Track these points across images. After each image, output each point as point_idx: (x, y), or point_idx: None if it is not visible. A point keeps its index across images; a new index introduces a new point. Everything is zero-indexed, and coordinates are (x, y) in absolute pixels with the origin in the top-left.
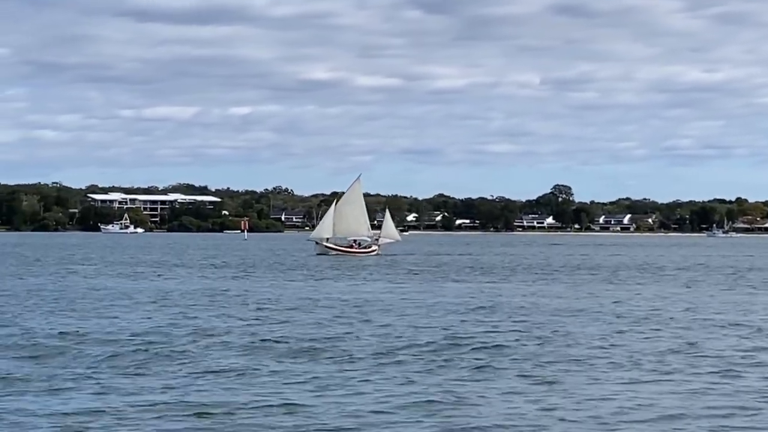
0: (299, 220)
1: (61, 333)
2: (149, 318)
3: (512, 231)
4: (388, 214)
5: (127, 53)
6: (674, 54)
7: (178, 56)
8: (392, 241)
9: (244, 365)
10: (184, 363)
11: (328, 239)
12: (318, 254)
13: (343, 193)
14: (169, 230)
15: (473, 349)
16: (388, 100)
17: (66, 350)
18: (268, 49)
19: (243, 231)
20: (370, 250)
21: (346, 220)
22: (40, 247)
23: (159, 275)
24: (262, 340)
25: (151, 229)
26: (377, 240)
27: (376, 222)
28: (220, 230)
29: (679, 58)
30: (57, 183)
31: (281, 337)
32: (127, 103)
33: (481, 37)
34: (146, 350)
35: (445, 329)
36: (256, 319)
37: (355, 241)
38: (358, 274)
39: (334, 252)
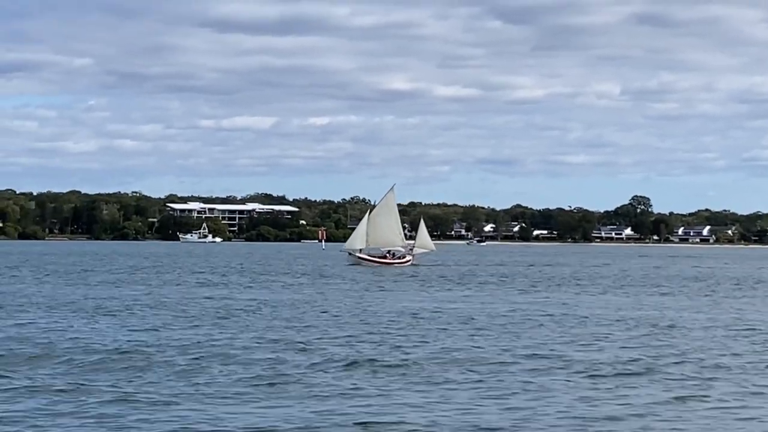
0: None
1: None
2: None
3: (590, 242)
4: (422, 223)
5: (208, 63)
6: (757, 64)
7: (258, 66)
8: (426, 251)
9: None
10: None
11: (360, 250)
12: (350, 265)
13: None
14: (247, 240)
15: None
16: (466, 110)
17: None
18: (348, 59)
19: (321, 240)
20: (404, 260)
21: (381, 231)
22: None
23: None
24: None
25: (229, 239)
26: (411, 250)
27: (453, 233)
28: (298, 240)
29: (763, 68)
30: (137, 192)
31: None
32: (207, 113)
33: (560, 47)
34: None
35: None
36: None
37: (389, 251)
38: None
39: (367, 263)
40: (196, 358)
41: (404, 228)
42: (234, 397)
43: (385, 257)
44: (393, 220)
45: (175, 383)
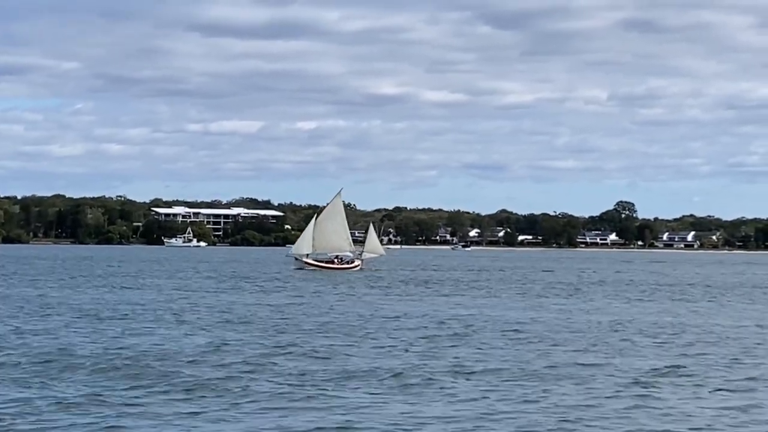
0: (361, 234)
1: None
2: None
3: (575, 247)
4: (371, 228)
5: (197, 67)
6: (746, 70)
7: (248, 70)
8: (376, 255)
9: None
10: None
11: (307, 255)
12: (297, 269)
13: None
14: (232, 244)
15: None
16: (454, 115)
17: None
18: (337, 63)
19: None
20: (352, 265)
21: (327, 235)
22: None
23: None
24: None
25: (214, 243)
26: (360, 255)
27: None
28: (283, 244)
29: (751, 74)
30: (121, 196)
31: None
32: (195, 117)
33: (550, 52)
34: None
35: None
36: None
37: (337, 256)
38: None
39: (314, 267)
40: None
41: (389, 233)
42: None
43: (332, 262)
44: (340, 224)
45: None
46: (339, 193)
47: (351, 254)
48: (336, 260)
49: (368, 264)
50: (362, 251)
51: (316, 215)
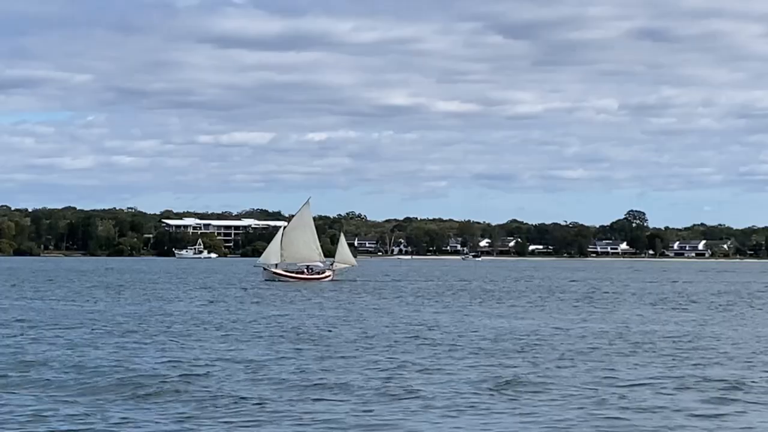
0: (372, 245)
1: None
2: None
3: (586, 257)
4: (342, 238)
5: (208, 79)
6: (758, 79)
7: (259, 82)
8: (347, 266)
9: None
10: None
11: (276, 265)
12: (266, 280)
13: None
14: (242, 255)
15: None
16: (465, 126)
17: None
18: (349, 74)
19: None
20: (323, 276)
21: (296, 245)
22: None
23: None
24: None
25: (225, 255)
26: (332, 265)
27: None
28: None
29: (763, 82)
30: (132, 208)
31: None
32: (205, 128)
33: (561, 62)
34: None
35: None
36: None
37: (307, 267)
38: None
39: (283, 278)
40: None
41: (399, 243)
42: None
43: (303, 272)
44: (309, 234)
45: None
46: (307, 202)
47: (321, 264)
48: (306, 271)
49: (340, 274)
50: (333, 261)
51: (284, 226)
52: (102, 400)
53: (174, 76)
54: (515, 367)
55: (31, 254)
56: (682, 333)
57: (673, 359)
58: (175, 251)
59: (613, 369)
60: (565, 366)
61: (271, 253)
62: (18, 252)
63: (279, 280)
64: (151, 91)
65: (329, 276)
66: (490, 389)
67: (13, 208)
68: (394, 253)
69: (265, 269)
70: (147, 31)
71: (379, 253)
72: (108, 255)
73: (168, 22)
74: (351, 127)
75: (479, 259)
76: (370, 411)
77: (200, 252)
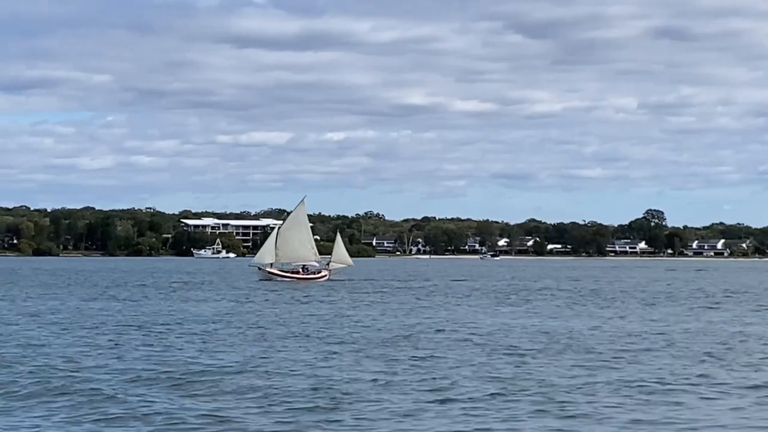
0: (390, 245)
1: None
2: None
3: (604, 256)
4: (339, 238)
5: (227, 79)
6: None
7: (278, 82)
8: (344, 266)
9: None
10: None
11: (271, 265)
12: (261, 280)
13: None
14: None
15: None
16: (483, 125)
17: None
18: (367, 74)
19: None
20: (319, 275)
21: (291, 245)
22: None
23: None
24: None
25: (243, 254)
26: (328, 265)
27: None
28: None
29: None
30: (151, 208)
31: None
32: (224, 128)
33: (580, 61)
34: None
35: None
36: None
37: (303, 266)
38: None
39: (279, 278)
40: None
41: (417, 243)
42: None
43: (298, 272)
44: (304, 233)
45: None
46: (302, 201)
47: (317, 264)
48: (302, 270)
49: (336, 274)
50: (329, 261)
51: (278, 225)
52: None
53: (193, 76)
54: None
55: (50, 254)
56: None
57: None
58: (194, 251)
59: None
60: None
61: (266, 253)
62: (37, 252)
63: (274, 280)
64: (169, 91)
65: (325, 276)
66: None
67: (32, 209)
68: (412, 252)
69: (260, 269)
70: (165, 31)
71: (397, 253)
72: (127, 255)
73: (186, 23)
74: (369, 127)
75: (497, 258)
76: None
77: (219, 252)
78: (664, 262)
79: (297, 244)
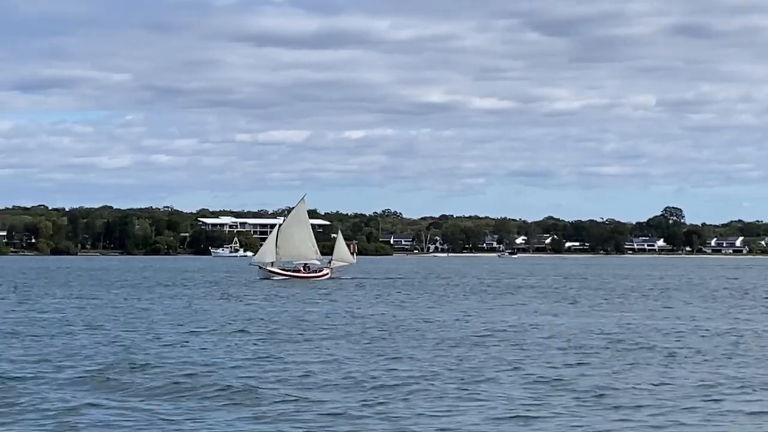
0: (408, 243)
1: None
2: None
3: (622, 254)
4: (340, 236)
5: (246, 78)
6: None
7: (296, 80)
8: (345, 264)
9: None
10: None
11: (272, 263)
12: (261, 279)
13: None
14: None
15: None
16: (502, 123)
17: None
18: (386, 72)
19: (352, 254)
20: (320, 274)
21: (292, 243)
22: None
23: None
24: None
25: None
26: (329, 263)
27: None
28: (330, 253)
29: None
30: (168, 207)
31: None
32: (243, 127)
33: (599, 58)
34: None
35: None
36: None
37: (304, 265)
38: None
39: (279, 277)
40: None
41: (435, 240)
42: None
43: (299, 271)
44: (305, 231)
45: None
46: (303, 199)
47: (318, 262)
48: (303, 269)
49: (338, 272)
50: (331, 260)
51: (279, 224)
52: None
53: (211, 75)
54: None
55: (68, 253)
56: None
57: None
58: (211, 250)
59: None
60: None
61: (267, 252)
62: (55, 251)
63: (275, 279)
64: (187, 89)
65: (327, 274)
66: None
67: (50, 208)
68: (430, 250)
69: (260, 268)
70: (183, 30)
71: (415, 251)
72: (144, 254)
73: (204, 21)
74: (388, 125)
75: (515, 256)
76: None
77: (236, 250)
78: (684, 261)
79: (298, 242)
